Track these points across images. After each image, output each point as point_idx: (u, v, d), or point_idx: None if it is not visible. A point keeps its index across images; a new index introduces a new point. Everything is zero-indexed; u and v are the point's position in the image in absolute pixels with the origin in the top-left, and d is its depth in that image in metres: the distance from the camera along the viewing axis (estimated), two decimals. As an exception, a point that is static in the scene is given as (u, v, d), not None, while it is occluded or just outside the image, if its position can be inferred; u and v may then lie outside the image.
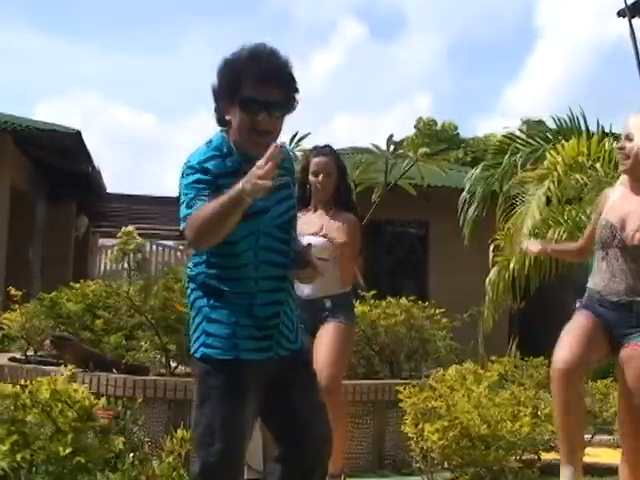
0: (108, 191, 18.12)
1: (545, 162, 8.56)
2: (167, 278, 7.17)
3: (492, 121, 54.90)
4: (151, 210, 19.30)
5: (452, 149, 30.37)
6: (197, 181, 2.85)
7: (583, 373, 4.19)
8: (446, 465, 5.28)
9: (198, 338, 3.00)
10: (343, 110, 67.19)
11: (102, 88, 69.15)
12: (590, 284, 4.26)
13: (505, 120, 53.99)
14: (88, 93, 64.27)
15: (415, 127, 32.69)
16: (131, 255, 6.40)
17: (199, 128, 60.43)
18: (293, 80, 2.95)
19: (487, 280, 9.46)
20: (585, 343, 4.07)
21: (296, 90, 2.96)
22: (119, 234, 6.51)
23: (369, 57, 59.09)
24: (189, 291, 3.07)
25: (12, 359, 7.42)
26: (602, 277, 4.16)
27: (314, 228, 4.96)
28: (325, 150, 5.08)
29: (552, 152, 8.45)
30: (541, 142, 9.97)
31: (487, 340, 8.08)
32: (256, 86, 2.83)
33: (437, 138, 31.16)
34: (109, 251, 21.57)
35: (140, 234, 19.93)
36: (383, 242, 15.76)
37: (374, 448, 6.30)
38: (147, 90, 65.85)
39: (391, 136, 8.47)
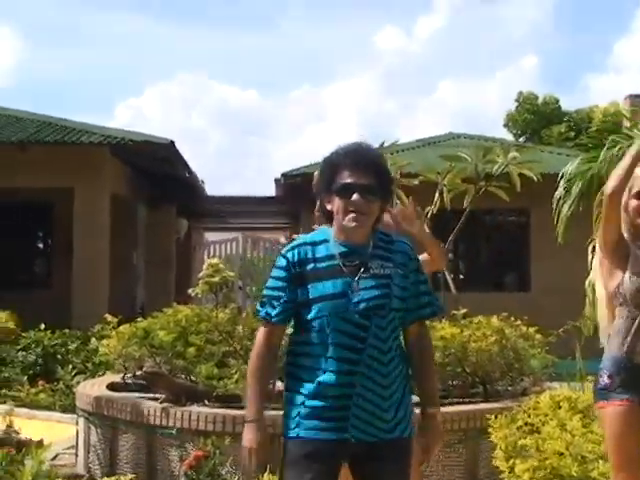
0: (208, 192, 18.40)
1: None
2: (255, 303, 7.17)
3: (604, 78, 53.26)
4: (248, 208, 19.51)
5: (554, 123, 29.70)
6: (275, 279, 3.21)
7: None
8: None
9: None
10: (448, 75, 66.36)
11: (205, 68, 70.13)
12: (615, 348, 3.90)
13: (618, 77, 52.21)
14: (192, 74, 65.27)
15: (516, 100, 32.05)
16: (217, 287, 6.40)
17: (300, 100, 60.52)
18: (384, 168, 3.24)
19: (587, 282, 9.18)
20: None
21: (388, 180, 3.24)
22: (205, 266, 6.54)
23: (474, 19, 57.88)
24: None
25: (111, 385, 7.58)
26: (638, 338, 3.83)
27: None
28: None
29: None
30: (640, 134, 9.55)
31: (588, 348, 7.81)
32: (349, 173, 3.13)
33: (539, 113, 30.43)
34: (211, 246, 21.94)
35: (239, 229, 20.21)
36: (483, 232, 15.50)
37: (466, 477, 6.18)
38: (249, 66, 66.26)
39: (492, 138, 8.23)
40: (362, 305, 3.08)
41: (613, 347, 3.93)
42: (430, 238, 4.92)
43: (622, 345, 3.88)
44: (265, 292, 3.23)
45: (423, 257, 4.96)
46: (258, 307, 3.26)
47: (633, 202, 3.97)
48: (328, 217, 3.23)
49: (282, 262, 3.19)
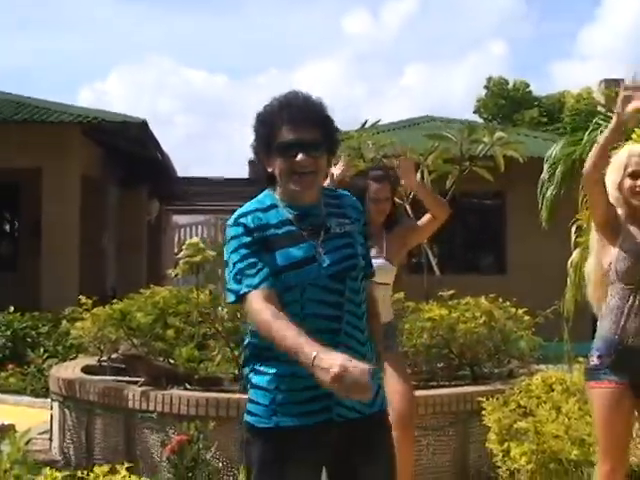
0: (178, 175, 18.12)
1: (627, 143, 8.09)
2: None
3: (570, 65, 53.68)
4: (219, 190, 19.23)
5: (525, 108, 29.68)
6: (241, 246, 2.75)
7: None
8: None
9: (247, 404, 2.83)
10: (417, 60, 66.32)
11: (173, 52, 69.49)
12: (607, 328, 3.80)
13: (583, 64, 52.63)
14: (160, 58, 64.55)
15: (485, 87, 31.96)
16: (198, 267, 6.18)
17: (267, 85, 60.18)
18: (328, 119, 2.85)
19: (569, 262, 9.07)
20: (627, 444, 3.88)
21: (334, 129, 2.87)
22: (185, 245, 6.31)
23: (442, 5, 57.67)
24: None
25: (86, 368, 7.35)
26: (630, 318, 3.73)
27: (374, 250, 4.81)
28: (382, 175, 4.99)
29: (637, 131, 7.98)
30: (623, 116, 9.45)
31: (572, 331, 7.70)
32: (290, 130, 2.74)
33: (509, 98, 30.41)
34: (182, 229, 21.67)
35: (210, 211, 19.91)
36: (458, 215, 15.35)
37: (457, 461, 6.03)
38: (216, 51, 65.71)
39: (467, 122, 8.08)
40: (334, 268, 2.74)
41: (605, 327, 3.82)
42: (427, 189, 4.98)
43: (614, 326, 3.77)
44: (235, 268, 2.72)
45: (423, 220, 4.94)
46: (233, 287, 2.72)
47: (628, 182, 3.87)
48: (269, 180, 2.83)
49: (239, 229, 2.76)
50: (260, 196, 2.86)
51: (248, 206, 2.83)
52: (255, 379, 2.77)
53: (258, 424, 2.75)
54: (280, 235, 2.75)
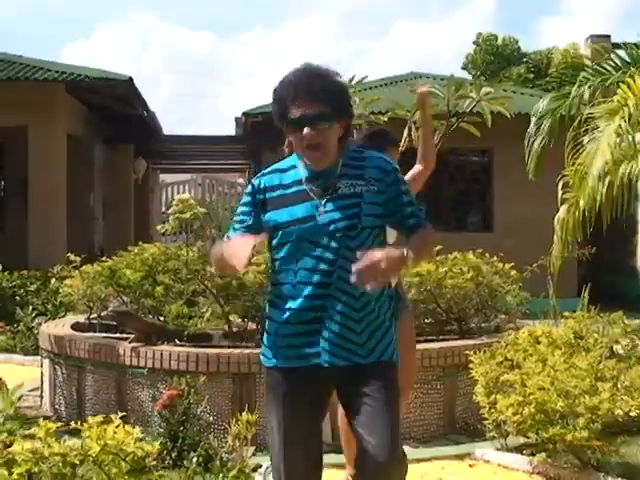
0: (165, 133, 18.00)
1: (615, 97, 8.10)
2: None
3: (557, 21, 53.48)
4: (208, 148, 19.13)
5: (514, 65, 29.53)
6: (241, 204, 3.19)
7: None
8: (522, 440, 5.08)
9: None
10: (404, 17, 65.69)
11: (155, 9, 68.57)
12: None
13: (571, 20, 52.40)
14: (143, 15, 63.78)
15: (474, 43, 31.74)
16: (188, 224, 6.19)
17: (252, 43, 59.54)
18: (334, 86, 3.02)
19: (556, 218, 9.12)
20: None
21: (341, 96, 3.05)
22: (175, 202, 6.31)
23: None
24: None
25: (75, 325, 7.39)
26: None
27: None
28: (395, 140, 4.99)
29: (623, 86, 7.99)
30: (611, 71, 9.46)
31: (558, 287, 7.76)
32: (296, 105, 2.97)
33: (498, 54, 30.23)
34: (168, 188, 21.60)
35: (197, 170, 19.81)
36: (446, 172, 15.36)
37: (445, 413, 6.12)
38: (200, 8, 64.96)
39: (452, 76, 8.02)
40: (330, 227, 2.98)
41: None
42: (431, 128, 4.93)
43: None
44: (234, 216, 3.22)
45: (412, 173, 4.86)
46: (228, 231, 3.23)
47: None
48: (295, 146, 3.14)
49: (249, 188, 3.19)
50: (289, 157, 3.18)
51: (271, 166, 3.19)
52: (267, 324, 3.13)
53: (264, 362, 3.12)
54: (288, 194, 3.05)
